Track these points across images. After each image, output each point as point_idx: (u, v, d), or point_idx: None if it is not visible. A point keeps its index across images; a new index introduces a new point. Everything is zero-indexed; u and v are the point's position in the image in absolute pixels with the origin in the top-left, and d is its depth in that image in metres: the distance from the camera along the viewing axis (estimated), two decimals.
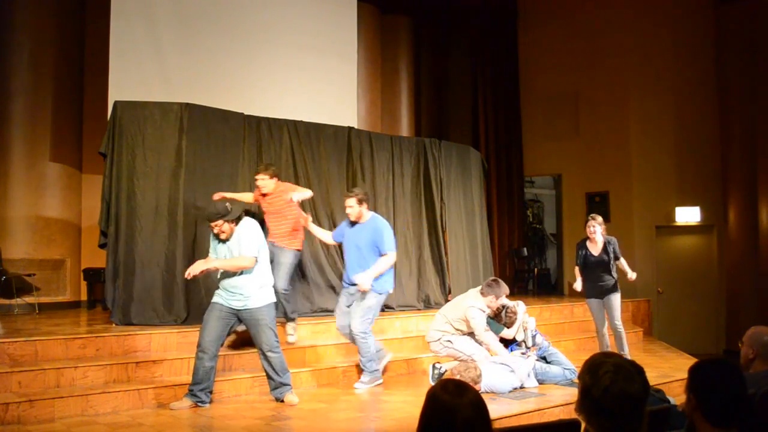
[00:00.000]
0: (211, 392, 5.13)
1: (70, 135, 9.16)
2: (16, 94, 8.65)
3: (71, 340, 5.48)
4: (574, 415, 2.03)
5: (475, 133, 12.88)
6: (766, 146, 10.54)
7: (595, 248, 6.83)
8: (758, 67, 10.65)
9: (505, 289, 6.16)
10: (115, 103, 6.79)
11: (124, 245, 6.47)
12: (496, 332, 6.36)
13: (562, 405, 5.26)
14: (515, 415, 4.97)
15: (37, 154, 8.75)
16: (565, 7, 12.67)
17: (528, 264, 13.67)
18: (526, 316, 6.37)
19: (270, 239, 6.05)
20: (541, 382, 6.03)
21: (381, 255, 5.80)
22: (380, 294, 5.88)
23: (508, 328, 6.36)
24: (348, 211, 5.86)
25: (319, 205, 7.84)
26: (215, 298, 5.18)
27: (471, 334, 6.16)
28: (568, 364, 6.16)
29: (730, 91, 11.20)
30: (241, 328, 5.54)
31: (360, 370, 6.03)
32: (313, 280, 7.59)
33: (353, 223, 5.93)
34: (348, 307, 5.94)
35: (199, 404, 5.04)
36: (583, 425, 1.97)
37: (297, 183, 7.72)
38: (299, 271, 7.42)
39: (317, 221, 7.74)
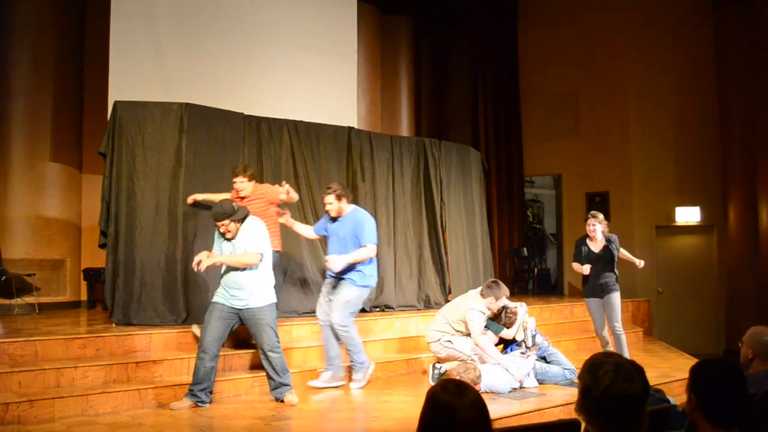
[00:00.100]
0: (211, 392, 5.13)
1: (70, 135, 9.16)
2: (16, 93, 8.66)
3: (71, 340, 5.48)
4: (574, 415, 2.02)
5: (475, 133, 12.88)
6: (766, 146, 10.53)
7: (595, 246, 6.70)
8: (758, 67, 10.65)
9: (505, 290, 6.15)
10: (115, 103, 6.79)
11: (124, 245, 6.47)
12: (496, 332, 6.37)
13: (562, 405, 5.26)
14: (515, 415, 4.97)
15: (37, 154, 8.76)
16: (565, 8, 12.67)
17: (528, 264, 13.68)
18: (526, 316, 6.37)
19: None
20: (541, 382, 6.04)
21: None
22: (361, 287, 5.75)
23: (507, 328, 6.36)
24: (328, 208, 5.79)
25: (319, 205, 7.82)
26: (216, 298, 5.19)
27: (470, 335, 6.15)
28: (568, 364, 6.16)
29: (730, 91, 11.20)
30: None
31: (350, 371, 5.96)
32: (312, 280, 7.58)
33: (335, 218, 5.87)
34: (330, 301, 5.84)
35: (199, 404, 5.04)
36: (583, 425, 1.97)
37: (297, 183, 7.72)
38: (299, 272, 7.43)
39: (317, 221, 7.75)
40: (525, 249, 13.08)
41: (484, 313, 6.05)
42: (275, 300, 5.27)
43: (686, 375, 2.36)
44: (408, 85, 12.65)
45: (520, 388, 5.83)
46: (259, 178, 7.43)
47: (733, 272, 11.11)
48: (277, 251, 6.03)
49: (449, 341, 6.15)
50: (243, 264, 5.08)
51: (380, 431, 4.56)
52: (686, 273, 11.73)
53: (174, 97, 7.49)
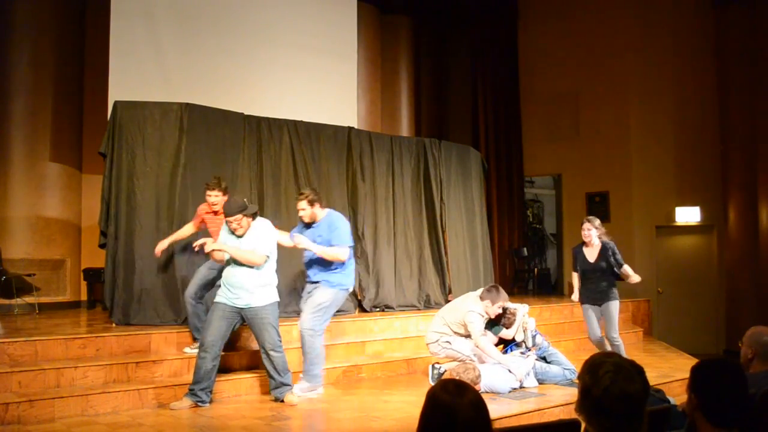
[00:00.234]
0: (211, 391, 5.13)
1: (70, 135, 9.16)
2: (16, 93, 8.66)
3: (71, 340, 5.48)
4: (574, 415, 2.03)
5: (475, 133, 12.88)
6: (766, 146, 10.53)
7: (591, 253, 6.37)
8: (758, 67, 10.64)
9: (503, 296, 6.10)
10: (115, 103, 6.79)
11: (124, 245, 6.48)
12: (496, 333, 6.37)
13: (562, 405, 5.26)
14: (515, 415, 4.97)
15: (37, 154, 8.76)
16: (565, 8, 12.67)
17: (528, 264, 13.68)
18: (526, 316, 6.36)
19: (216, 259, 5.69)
20: (541, 382, 6.04)
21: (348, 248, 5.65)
22: (337, 290, 5.62)
23: (507, 328, 6.36)
24: (301, 214, 5.68)
25: None
26: (218, 298, 5.19)
27: (469, 337, 6.15)
28: (568, 364, 6.16)
29: (730, 91, 11.19)
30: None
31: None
32: None
33: (310, 223, 5.74)
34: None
35: (200, 404, 5.04)
36: (583, 425, 1.97)
37: (297, 183, 7.73)
38: (301, 273, 7.42)
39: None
40: (525, 249, 13.08)
41: (482, 316, 6.04)
42: (277, 299, 5.28)
43: (686, 375, 2.36)
44: (408, 85, 12.65)
45: (520, 388, 5.83)
46: (258, 178, 7.45)
47: (733, 272, 11.11)
48: None
49: (448, 342, 6.14)
50: (248, 260, 5.07)
51: (380, 431, 4.56)
52: (686, 273, 11.73)
53: (174, 97, 7.49)
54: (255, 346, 5.56)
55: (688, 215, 11.73)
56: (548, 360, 6.23)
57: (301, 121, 7.93)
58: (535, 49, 12.98)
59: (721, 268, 11.52)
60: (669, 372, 6.84)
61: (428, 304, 8.54)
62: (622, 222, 11.84)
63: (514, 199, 13.02)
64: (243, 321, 5.22)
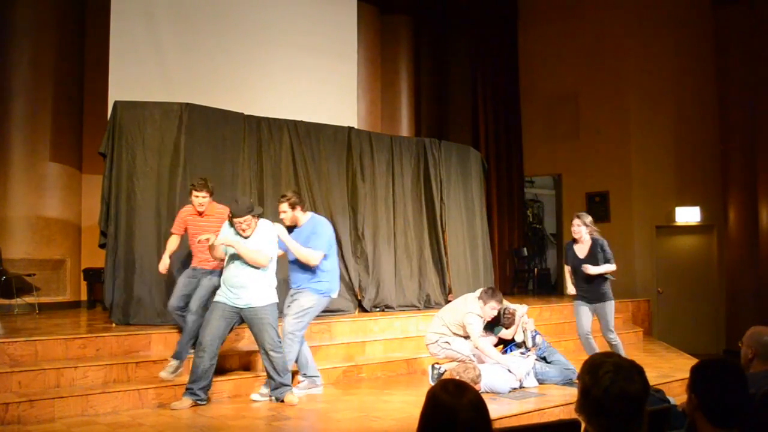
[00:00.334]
0: (209, 390, 5.14)
1: (70, 135, 9.16)
2: (16, 94, 8.66)
3: (71, 340, 5.48)
4: (574, 415, 2.03)
5: (475, 133, 12.88)
6: (766, 146, 10.54)
7: (581, 249, 6.23)
8: (758, 67, 10.65)
9: (497, 298, 6.07)
10: (115, 103, 6.79)
11: (124, 245, 6.48)
12: (495, 333, 6.37)
13: (562, 405, 5.26)
14: (515, 415, 4.97)
15: (37, 154, 8.76)
16: (565, 8, 12.67)
17: (528, 264, 13.68)
18: (525, 317, 6.36)
19: (196, 265, 5.69)
20: (541, 382, 6.04)
21: (330, 253, 5.58)
22: (319, 295, 5.55)
23: (506, 329, 6.36)
24: (282, 216, 5.61)
25: (319, 205, 7.84)
26: (217, 298, 5.18)
27: (468, 338, 6.15)
28: (567, 364, 6.16)
29: (729, 91, 11.20)
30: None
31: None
32: None
33: (293, 227, 5.65)
34: (288, 307, 5.69)
35: (199, 402, 5.05)
36: (583, 425, 1.97)
37: (297, 183, 7.73)
38: None
39: None
40: (525, 249, 13.08)
41: (481, 317, 6.04)
42: (276, 300, 5.27)
43: (686, 375, 2.36)
44: (408, 85, 12.65)
45: (520, 388, 5.83)
46: (258, 178, 7.45)
47: (733, 272, 11.11)
48: (219, 269, 5.62)
49: (447, 342, 6.15)
50: (253, 260, 5.06)
51: (380, 431, 4.57)
52: (686, 273, 11.73)
53: (174, 97, 7.49)
54: (255, 346, 5.55)
55: (688, 215, 11.73)
56: (548, 360, 6.23)
57: (301, 121, 7.93)
58: (535, 49, 12.98)
59: (721, 268, 11.52)
60: (669, 372, 6.84)
61: (428, 304, 8.54)
62: (622, 222, 11.84)
63: (514, 199, 13.03)
64: (242, 321, 5.22)
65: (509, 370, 5.83)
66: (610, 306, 6.19)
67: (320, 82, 9.80)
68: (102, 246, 6.69)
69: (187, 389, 5.06)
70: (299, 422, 4.79)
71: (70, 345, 5.44)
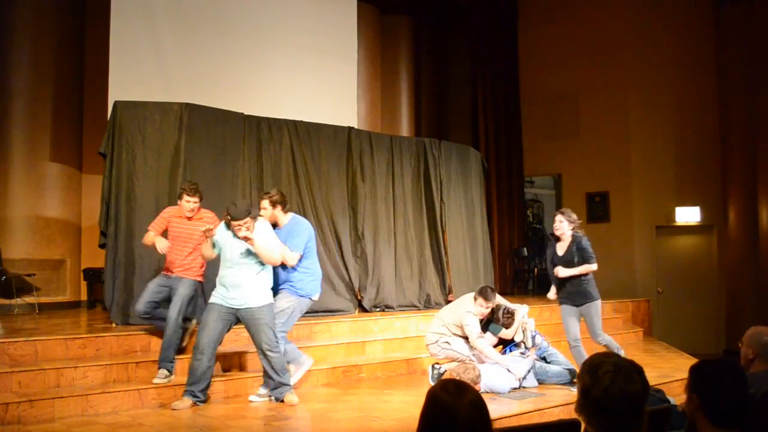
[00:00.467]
0: (208, 390, 5.15)
1: (70, 135, 9.16)
2: (16, 94, 8.66)
3: (71, 340, 5.48)
4: (574, 415, 2.03)
5: (475, 133, 12.88)
6: (766, 146, 10.54)
7: (562, 246, 5.91)
8: (758, 67, 10.65)
9: (485, 295, 6.07)
10: (115, 103, 6.79)
11: (124, 245, 6.47)
12: (495, 333, 6.37)
13: (562, 405, 5.26)
14: (515, 415, 4.97)
15: (37, 154, 8.76)
16: (565, 7, 12.67)
17: (528, 264, 13.67)
18: (525, 317, 6.36)
19: (169, 272, 5.57)
20: (540, 382, 6.04)
21: (301, 257, 5.50)
22: (299, 297, 5.51)
23: (506, 328, 6.36)
24: (261, 213, 5.53)
25: (319, 205, 7.84)
26: (213, 299, 5.16)
27: (467, 338, 6.16)
28: (567, 364, 6.16)
29: (730, 91, 11.20)
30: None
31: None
32: None
33: (273, 227, 5.51)
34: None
35: (198, 402, 5.05)
36: (583, 425, 1.97)
37: (297, 183, 7.74)
38: None
39: (317, 221, 7.76)
40: (525, 249, 13.07)
41: (476, 315, 6.05)
42: (272, 300, 5.26)
43: (686, 375, 2.35)
44: (408, 85, 12.65)
45: (520, 387, 5.83)
46: (258, 178, 7.45)
47: (733, 272, 11.11)
48: (197, 280, 5.64)
49: (447, 342, 6.15)
50: (269, 258, 5.10)
51: (380, 431, 4.57)
52: (686, 273, 11.73)
53: (174, 97, 7.49)
54: (253, 346, 5.54)
55: (688, 215, 11.73)
56: (548, 360, 6.23)
57: (301, 121, 7.93)
58: (535, 49, 12.98)
59: (721, 268, 11.52)
60: (669, 372, 6.84)
61: (428, 304, 8.54)
62: (622, 222, 11.85)
63: (514, 199, 13.02)
64: (238, 321, 5.21)
65: (508, 370, 5.83)
66: (596, 307, 5.89)
67: (320, 82, 9.80)
68: (102, 246, 6.69)
69: (186, 390, 5.06)
70: (299, 422, 4.79)
71: (70, 345, 5.44)
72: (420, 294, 8.63)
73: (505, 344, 6.40)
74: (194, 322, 5.80)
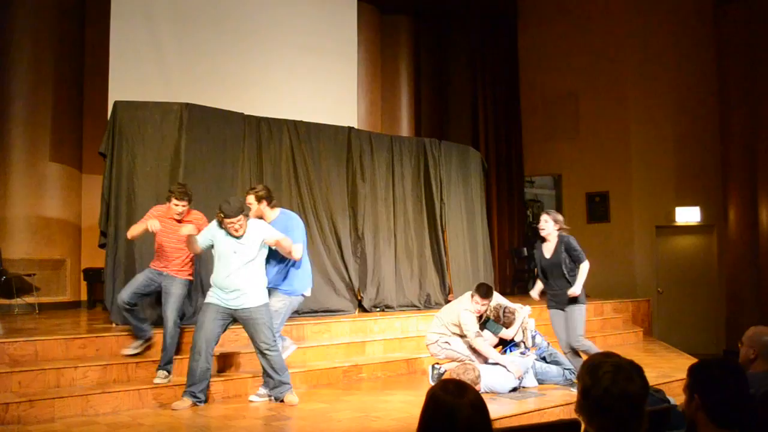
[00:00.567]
0: (207, 389, 5.16)
1: (70, 135, 9.16)
2: (16, 94, 8.67)
3: (71, 340, 5.48)
4: (574, 415, 2.03)
5: (475, 133, 12.88)
6: (766, 146, 10.54)
7: (548, 248, 5.77)
8: (758, 67, 10.65)
9: (481, 292, 6.08)
10: (115, 103, 6.79)
11: (124, 245, 6.47)
12: (496, 332, 6.37)
13: (562, 405, 5.26)
14: (515, 415, 4.97)
15: (37, 154, 8.76)
16: (565, 8, 12.67)
17: (528, 264, 13.65)
18: (526, 318, 6.36)
19: (160, 268, 5.50)
20: (540, 382, 6.04)
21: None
22: (289, 295, 5.47)
23: (507, 328, 6.36)
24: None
25: (319, 205, 7.84)
26: (209, 299, 5.13)
27: (466, 337, 6.16)
28: (567, 365, 6.15)
29: (730, 91, 11.20)
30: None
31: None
32: (314, 281, 7.57)
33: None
34: None
35: (197, 403, 5.06)
36: (583, 425, 1.97)
37: (297, 183, 7.74)
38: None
39: (318, 221, 7.76)
40: (525, 249, 13.06)
41: (473, 312, 6.07)
42: (268, 300, 5.24)
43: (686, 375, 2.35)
44: (408, 85, 12.65)
45: (521, 387, 5.83)
46: (258, 178, 7.44)
47: (733, 272, 11.11)
48: (189, 279, 5.61)
49: (447, 343, 6.16)
50: (289, 251, 5.20)
51: (380, 431, 4.56)
52: (686, 273, 11.73)
53: (174, 97, 7.49)
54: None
55: (688, 215, 11.73)
56: (548, 360, 6.23)
57: (301, 121, 7.93)
58: (535, 50, 12.98)
59: (721, 268, 11.52)
60: (669, 372, 6.83)
61: (428, 304, 8.54)
62: (622, 222, 11.85)
63: (514, 199, 13.02)
64: (234, 321, 5.21)
65: (507, 369, 5.83)
66: (580, 310, 5.65)
67: (320, 82, 9.80)
68: (102, 246, 6.68)
69: (186, 390, 5.06)
70: (299, 422, 4.79)
71: (70, 345, 5.44)
72: (420, 294, 8.63)
73: (505, 344, 6.40)
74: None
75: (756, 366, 3.22)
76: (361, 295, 8.13)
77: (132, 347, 5.56)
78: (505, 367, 5.84)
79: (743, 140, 10.90)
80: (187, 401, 5.02)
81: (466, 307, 6.08)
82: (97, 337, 5.66)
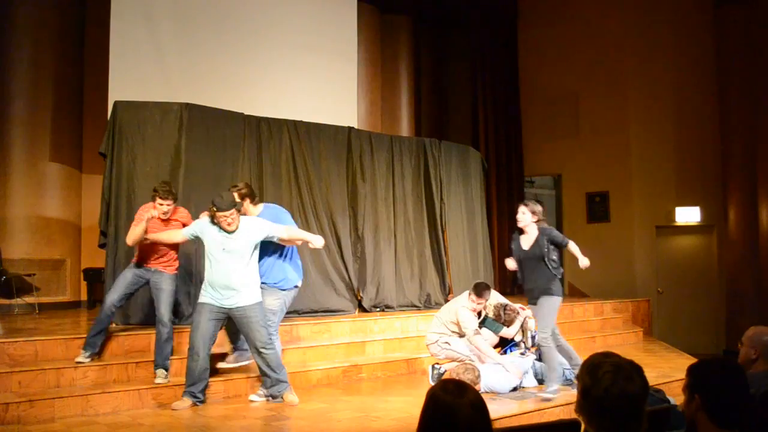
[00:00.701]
0: (206, 389, 5.17)
1: (70, 135, 9.16)
2: (16, 94, 8.67)
3: (71, 340, 5.48)
4: (574, 415, 2.02)
5: (475, 133, 12.88)
6: (766, 146, 10.54)
7: (527, 240, 5.60)
8: (758, 67, 10.65)
9: (478, 291, 6.08)
10: (115, 103, 6.79)
11: (124, 245, 6.44)
12: (496, 332, 6.38)
13: (562, 405, 5.26)
14: (515, 415, 4.97)
15: (37, 154, 8.76)
16: (565, 8, 12.67)
17: None
18: (527, 319, 6.36)
19: (148, 264, 5.46)
20: (541, 382, 6.03)
21: (282, 245, 5.37)
22: (283, 290, 5.44)
23: (507, 327, 6.37)
24: None
25: (319, 205, 7.84)
26: (203, 299, 5.12)
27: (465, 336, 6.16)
28: (566, 364, 6.15)
29: (730, 91, 11.20)
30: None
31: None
32: (313, 280, 7.60)
33: None
34: None
35: (197, 403, 5.06)
36: (583, 425, 1.97)
37: (297, 183, 7.74)
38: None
39: (318, 221, 7.76)
40: None
41: (470, 310, 6.07)
42: (261, 299, 5.23)
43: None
44: (408, 85, 12.64)
45: (521, 387, 5.83)
46: (258, 178, 7.44)
47: (733, 272, 11.11)
48: (176, 274, 5.59)
49: (447, 342, 6.16)
50: (297, 237, 5.31)
51: (380, 431, 4.56)
52: (686, 273, 11.73)
53: (174, 97, 7.49)
54: None
55: (688, 215, 11.73)
56: None
57: (301, 121, 7.93)
58: (535, 49, 12.97)
59: (721, 268, 11.52)
60: (669, 372, 6.83)
61: (428, 304, 8.54)
62: (622, 222, 11.85)
63: (514, 199, 12.99)
64: (230, 320, 5.21)
65: (505, 367, 5.83)
66: (549, 301, 5.47)
67: (320, 82, 9.80)
68: (102, 246, 6.68)
69: (185, 390, 5.07)
70: (299, 422, 4.79)
71: (70, 345, 5.44)
72: (420, 294, 8.63)
73: (505, 344, 6.40)
74: None
75: (756, 366, 3.22)
76: (361, 295, 8.13)
77: (83, 356, 5.32)
78: (503, 365, 5.84)
79: (743, 140, 10.90)
80: (187, 401, 5.02)
81: (463, 305, 6.10)
82: None
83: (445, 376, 5.84)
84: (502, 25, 13.20)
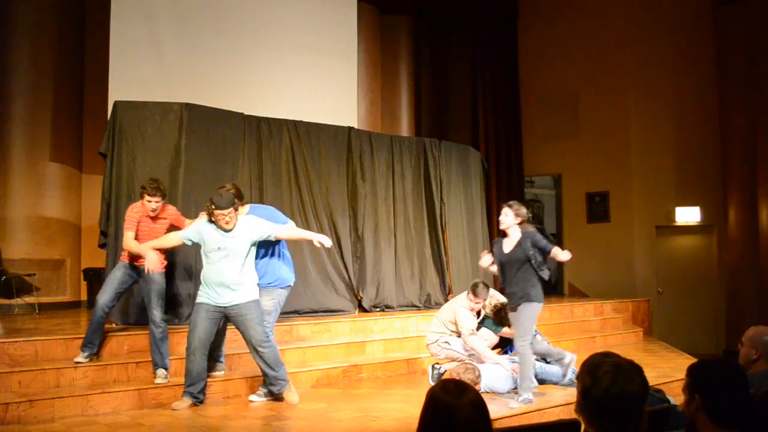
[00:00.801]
0: (206, 388, 5.17)
1: (70, 135, 9.16)
2: (16, 94, 8.66)
3: (71, 340, 5.48)
4: (574, 415, 2.02)
5: (475, 133, 12.88)
6: (766, 146, 10.54)
7: (509, 243, 5.41)
8: (758, 67, 10.65)
9: (476, 290, 6.10)
10: (115, 103, 6.79)
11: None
12: (496, 331, 6.38)
13: (562, 405, 5.26)
14: (515, 415, 4.97)
15: (37, 154, 8.76)
16: (565, 7, 12.68)
17: None
18: None
19: (138, 263, 5.40)
20: (541, 381, 6.03)
21: (278, 240, 5.36)
22: (277, 289, 5.44)
23: (508, 327, 6.36)
24: None
25: (319, 205, 7.84)
26: (200, 299, 5.12)
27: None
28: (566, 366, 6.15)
29: (730, 91, 11.20)
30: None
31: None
32: (313, 279, 7.60)
33: None
34: None
35: (197, 403, 5.06)
36: (583, 425, 1.97)
37: (297, 183, 7.74)
38: (301, 272, 7.43)
39: (318, 221, 7.76)
40: None
41: (468, 309, 6.08)
42: (258, 297, 5.23)
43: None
44: (408, 85, 12.64)
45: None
46: (258, 178, 7.44)
47: (733, 272, 11.11)
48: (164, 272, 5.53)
49: (447, 342, 6.17)
50: (295, 235, 5.44)
51: (380, 431, 4.56)
52: (686, 273, 11.73)
53: (174, 97, 7.49)
54: None
55: (688, 215, 11.73)
56: (548, 360, 6.22)
57: (301, 121, 7.93)
58: (535, 49, 12.98)
59: (721, 268, 11.52)
60: (669, 372, 6.83)
61: (428, 304, 8.55)
62: (622, 222, 11.85)
63: (514, 199, 13.00)
64: (227, 319, 5.20)
65: (502, 365, 5.83)
66: (529, 308, 5.27)
67: (320, 82, 9.80)
68: (102, 246, 6.68)
69: (185, 391, 5.07)
70: (299, 422, 4.79)
71: (70, 345, 5.43)
72: (420, 294, 8.63)
73: (506, 344, 6.40)
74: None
75: (757, 366, 3.22)
76: (361, 295, 8.13)
77: (81, 357, 5.30)
78: (500, 363, 5.85)
79: (743, 140, 10.90)
80: (187, 401, 5.02)
81: (462, 305, 6.10)
82: None
83: (445, 376, 5.84)
84: (502, 25, 13.20)
